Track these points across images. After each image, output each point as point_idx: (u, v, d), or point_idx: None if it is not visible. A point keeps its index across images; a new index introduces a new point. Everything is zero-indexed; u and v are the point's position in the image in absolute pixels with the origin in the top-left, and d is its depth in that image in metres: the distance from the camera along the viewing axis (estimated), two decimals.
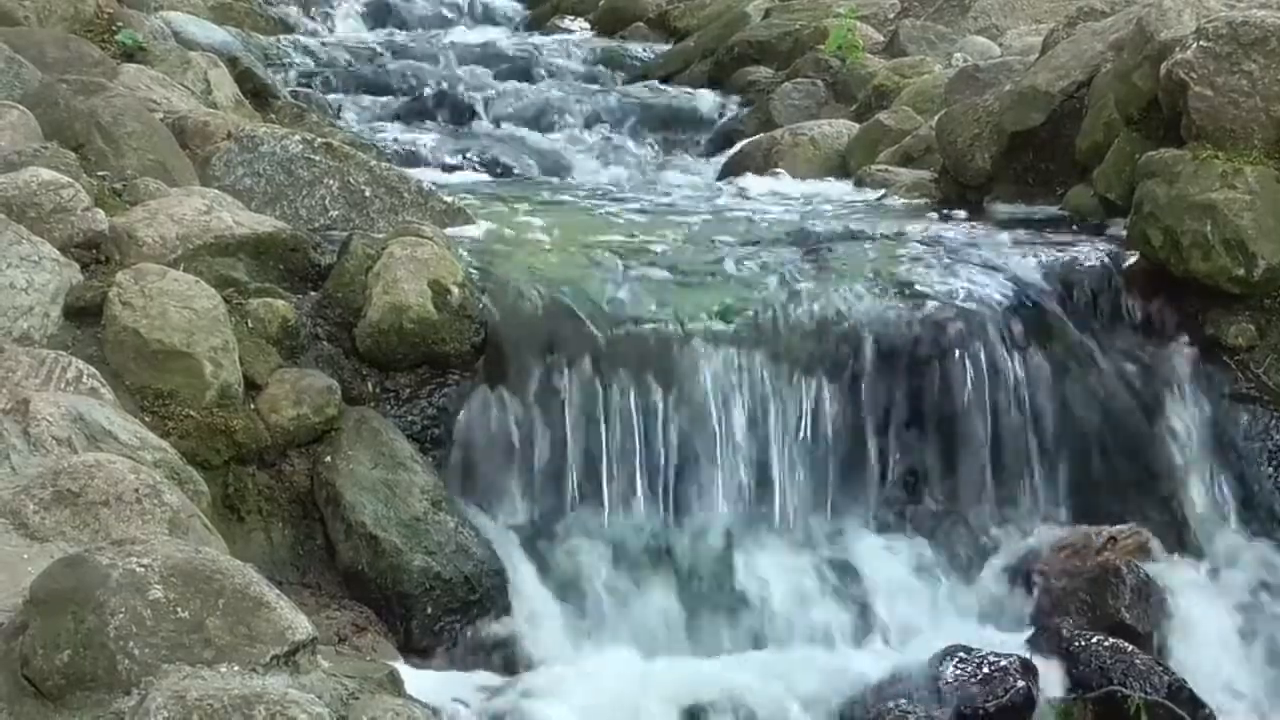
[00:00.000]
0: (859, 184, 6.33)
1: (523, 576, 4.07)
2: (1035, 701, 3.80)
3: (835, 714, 3.78)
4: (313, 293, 4.41)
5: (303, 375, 4.15)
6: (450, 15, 10.80)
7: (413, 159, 7.22)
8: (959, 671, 3.80)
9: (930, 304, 4.60)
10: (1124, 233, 4.92)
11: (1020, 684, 3.79)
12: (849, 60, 8.12)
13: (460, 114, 8.18)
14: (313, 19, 10.03)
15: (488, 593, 3.98)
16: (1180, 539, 4.46)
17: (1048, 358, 4.58)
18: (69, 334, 4.01)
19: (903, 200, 5.92)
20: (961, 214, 5.56)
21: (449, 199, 5.23)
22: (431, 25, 10.48)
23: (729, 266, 4.78)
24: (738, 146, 7.43)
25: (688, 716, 3.70)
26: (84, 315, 4.03)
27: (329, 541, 4.03)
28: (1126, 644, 3.98)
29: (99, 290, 4.04)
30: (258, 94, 7.16)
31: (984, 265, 4.82)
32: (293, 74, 8.30)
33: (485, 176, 7.28)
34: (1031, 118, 5.62)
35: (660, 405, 4.31)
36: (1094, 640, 3.97)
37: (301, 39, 9.20)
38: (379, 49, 9.05)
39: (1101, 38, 5.63)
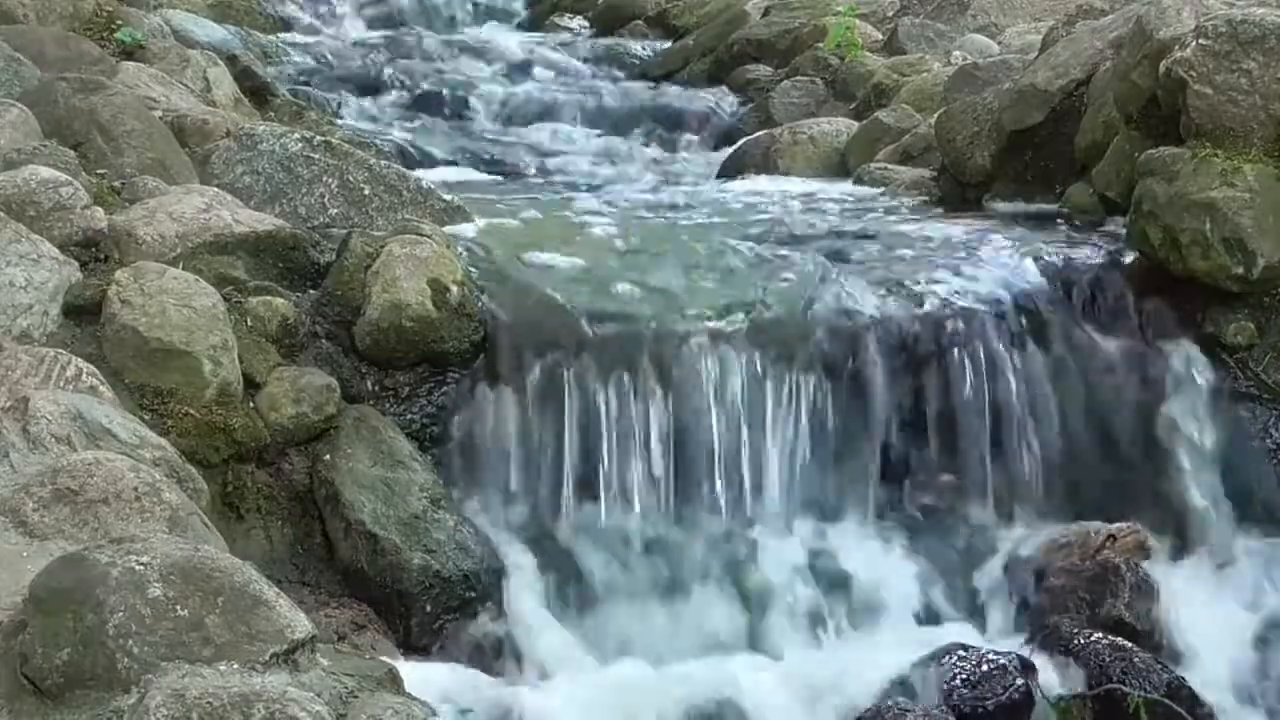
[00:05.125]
0: (858, 182, 6.32)
1: (522, 575, 4.06)
2: (1034, 700, 3.80)
3: (834, 713, 3.77)
4: (312, 291, 4.41)
5: (302, 373, 4.15)
6: (450, 13, 10.79)
7: (412, 157, 7.21)
8: (958, 669, 3.80)
9: (929, 302, 4.61)
10: (1123, 231, 4.92)
11: (1019, 682, 3.79)
12: (848, 58, 8.12)
13: (459, 112, 8.19)
14: (312, 17, 10.02)
15: (487, 591, 3.98)
16: (1179, 537, 4.46)
17: (1047, 356, 4.58)
18: (68, 332, 4.01)
19: (902, 198, 5.92)
20: (961, 212, 5.56)
21: (448, 197, 5.23)
22: (431, 23, 10.47)
23: (728, 264, 4.79)
24: (737, 145, 7.42)
25: (685, 716, 3.70)
26: (83, 313, 4.03)
27: (328, 540, 4.03)
28: (1126, 642, 3.98)
29: (98, 288, 4.03)
30: (257, 92, 7.16)
31: (983, 263, 4.83)
32: (292, 72, 8.29)
33: (484, 174, 7.29)
34: (1031, 116, 5.62)
35: (659, 403, 4.31)
36: (1093, 638, 3.97)
37: (301, 37, 9.19)
38: (378, 47, 9.04)
39: (1100, 36, 5.63)
